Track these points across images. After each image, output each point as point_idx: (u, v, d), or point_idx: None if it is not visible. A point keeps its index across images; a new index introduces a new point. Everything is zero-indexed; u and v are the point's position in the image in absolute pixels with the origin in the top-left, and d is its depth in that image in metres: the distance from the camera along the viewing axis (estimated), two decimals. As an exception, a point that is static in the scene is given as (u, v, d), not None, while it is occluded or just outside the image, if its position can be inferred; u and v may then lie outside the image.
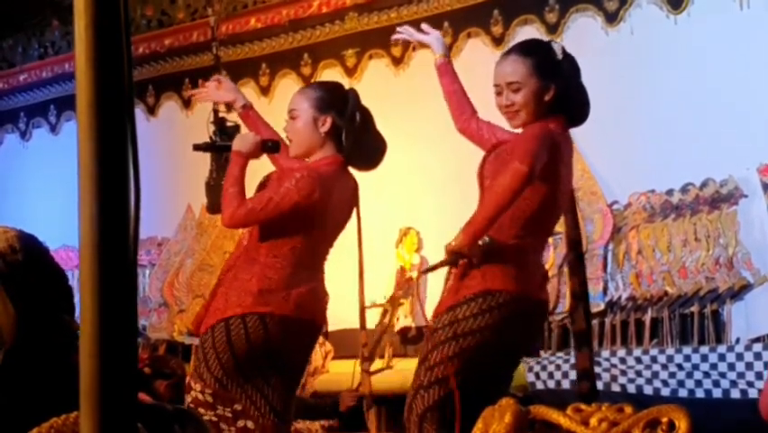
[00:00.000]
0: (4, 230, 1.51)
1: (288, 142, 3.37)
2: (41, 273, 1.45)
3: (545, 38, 5.57)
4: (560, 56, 3.12)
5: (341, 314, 4.41)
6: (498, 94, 3.11)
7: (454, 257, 2.94)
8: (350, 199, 3.35)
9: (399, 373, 5.01)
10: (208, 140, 3.55)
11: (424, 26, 3.53)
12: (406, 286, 5.56)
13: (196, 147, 3.47)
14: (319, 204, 3.23)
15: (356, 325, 3.86)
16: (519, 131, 3.12)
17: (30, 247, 1.48)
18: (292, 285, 3.20)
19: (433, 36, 3.44)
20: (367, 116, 3.36)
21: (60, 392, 1.02)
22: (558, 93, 3.07)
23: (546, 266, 5.23)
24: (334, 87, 3.45)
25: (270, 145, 3.36)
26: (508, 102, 3.08)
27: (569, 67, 3.13)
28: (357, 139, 3.29)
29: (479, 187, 3.11)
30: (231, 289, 3.20)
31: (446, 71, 3.37)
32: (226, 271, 3.33)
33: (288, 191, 3.19)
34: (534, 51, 3.17)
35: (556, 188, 3.06)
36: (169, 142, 6.62)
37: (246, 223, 3.25)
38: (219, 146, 3.46)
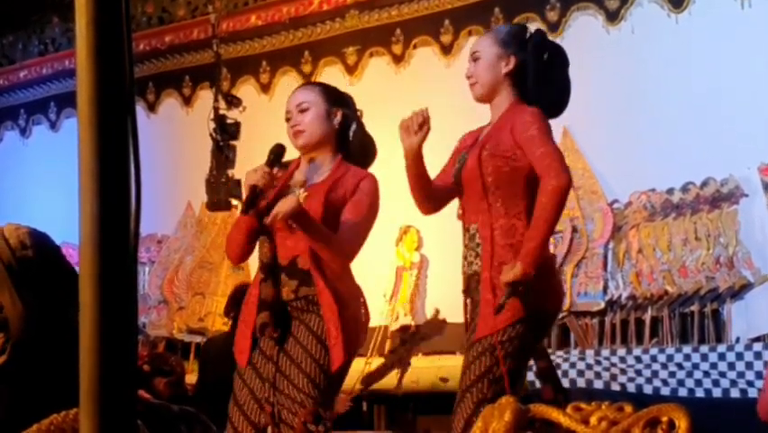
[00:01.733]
0: (16, 227, 1.52)
1: (291, 137, 3.30)
2: (50, 270, 1.46)
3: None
4: (528, 34, 3.06)
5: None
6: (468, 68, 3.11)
7: (515, 288, 2.90)
8: None
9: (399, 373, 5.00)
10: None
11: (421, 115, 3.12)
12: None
13: (244, 210, 3.28)
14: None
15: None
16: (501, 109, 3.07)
17: (41, 244, 1.49)
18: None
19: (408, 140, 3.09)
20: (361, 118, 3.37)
21: (66, 388, 1.02)
22: (519, 67, 2.99)
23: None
24: (334, 87, 3.46)
25: (274, 157, 3.29)
26: (468, 73, 3.06)
27: (538, 46, 3.04)
28: (359, 136, 3.30)
29: (478, 186, 3.01)
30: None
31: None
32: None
33: (374, 193, 3.15)
34: (503, 29, 3.18)
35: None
36: (170, 139, 6.62)
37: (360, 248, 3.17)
38: (253, 198, 3.25)
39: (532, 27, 3.16)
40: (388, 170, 5.62)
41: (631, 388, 4.60)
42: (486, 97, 3.05)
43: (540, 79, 3.01)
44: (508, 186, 2.95)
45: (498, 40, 3.04)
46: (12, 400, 1.39)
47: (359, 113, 3.34)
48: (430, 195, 3.12)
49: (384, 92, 6.03)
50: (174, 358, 5.19)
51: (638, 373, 4.65)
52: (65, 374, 1.02)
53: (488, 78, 3.02)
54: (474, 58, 3.05)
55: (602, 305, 5.06)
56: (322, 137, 3.20)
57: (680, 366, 4.60)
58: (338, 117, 3.21)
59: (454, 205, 3.22)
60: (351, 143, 3.24)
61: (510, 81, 3.01)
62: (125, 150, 0.99)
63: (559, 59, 3.07)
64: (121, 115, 0.98)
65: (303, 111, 3.22)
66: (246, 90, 6.51)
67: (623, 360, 4.74)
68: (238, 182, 5.59)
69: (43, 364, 1.40)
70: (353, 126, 3.25)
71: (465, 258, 3.03)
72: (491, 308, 2.89)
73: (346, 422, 5.16)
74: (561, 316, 5.12)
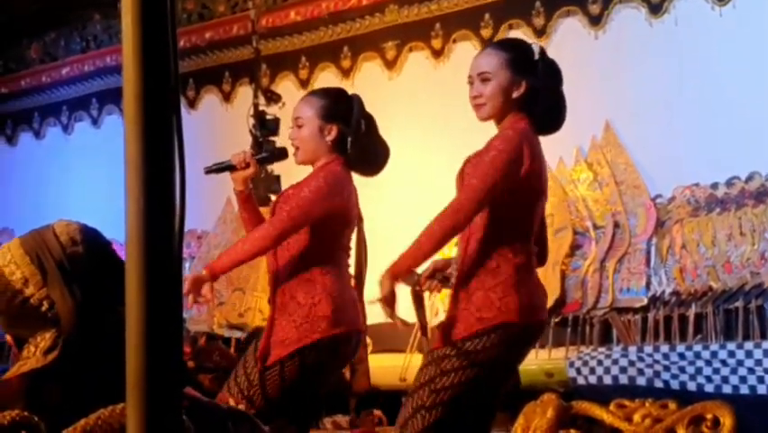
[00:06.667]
0: (67, 223, 1.54)
1: (293, 148, 3.40)
2: (101, 266, 1.48)
3: (588, 30, 5.53)
4: (536, 56, 3.05)
5: (379, 308, 4.40)
6: (470, 84, 3.07)
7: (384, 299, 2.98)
8: (357, 199, 3.38)
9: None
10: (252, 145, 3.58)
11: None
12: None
13: (208, 170, 3.49)
14: (347, 201, 3.27)
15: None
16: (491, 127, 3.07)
17: (91, 240, 1.51)
18: (348, 297, 3.26)
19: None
20: (370, 123, 3.36)
21: (116, 383, 1.03)
22: (529, 91, 3.00)
23: (588, 261, 5.20)
24: (339, 95, 3.44)
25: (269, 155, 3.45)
26: (476, 93, 3.03)
27: (546, 69, 3.05)
28: (362, 146, 3.30)
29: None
30: (297, 316, 3.20)
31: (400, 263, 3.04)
32: (274, 295, 3.30)
33: (319, 188, 3.21)
34: (509, 47, 3.13)
35: (537, 194, 3.01)
36: (209, 135, 6.65)
37: (294, 226, 3.22)
38: (223, 167, 3.47)
39: (535, 46, 3.12)
40: (426, 164, 5.62)
41: (675, 385, 4.55)
42: (493, 118, 3.06)
43: (548, 103, 3.03)
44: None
45: (508, 62, 3.02)
46: (64, 394, 1.41)
47: (364, 119, 3.33)
48: None
49: (423, 87, 6.02)
50: (219, 353, 5.21)
51: (682, 369, 4.60)
52: (115, 369, 1.03)
53: (499, 101, 3.02)
54: (483, 78, 3.02)
55: (645, 301, 5.01)
56: (315, 154, 3.33)
57: (724, 363, 4.55)
58: (332, 134, 3.32)
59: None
60: (348, 155, 3.28)
61: (518, 104, 3.02)
62: (170, 147, 0.99)
63: (559, 78, 3.09)
64: (166, 113, 0.98)
65: (299, 126, 3.40)
66: (285, 86, 6.52)
67: (666, 356, 4.69)
68: (277, 178, 5.61)
69: (94, 359, 1.41)
70: (349, 141, 3.29)
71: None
72: (448, 321, 2.99)
73: (386, 418, 5.16)
74: (603, 312, 5.08)
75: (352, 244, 3.39)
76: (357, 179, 3.42)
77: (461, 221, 2.94)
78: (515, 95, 3.01)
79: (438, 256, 3.19)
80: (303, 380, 3.19)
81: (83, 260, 1.48)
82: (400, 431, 2.97)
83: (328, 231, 3.24)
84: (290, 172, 3.52)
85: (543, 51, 3.10)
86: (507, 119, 3.02)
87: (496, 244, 2.96)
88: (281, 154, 3.52)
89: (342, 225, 3.29)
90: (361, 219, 3.41)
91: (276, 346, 3.20)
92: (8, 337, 1.55)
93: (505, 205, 2.96)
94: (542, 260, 3.13)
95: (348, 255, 3.35)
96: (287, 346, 3.18)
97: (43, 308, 1.48)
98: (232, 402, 3.15)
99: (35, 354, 1.45)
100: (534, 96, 3.01)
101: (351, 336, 3.24)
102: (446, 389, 2.90)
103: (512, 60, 3.03)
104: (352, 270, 3.39)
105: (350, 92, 3.45)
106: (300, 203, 3.21)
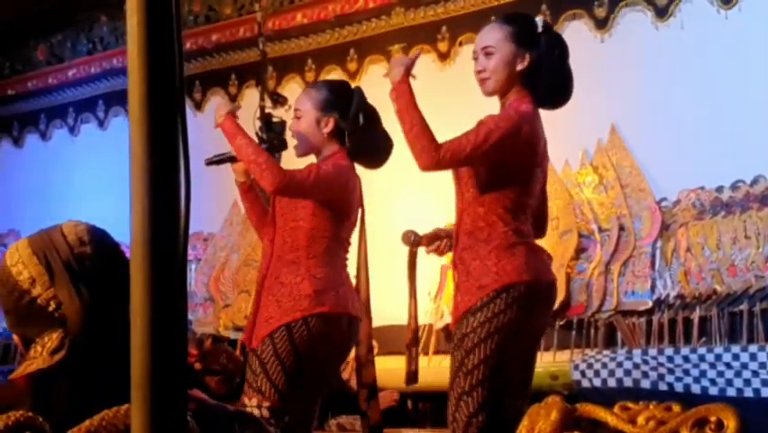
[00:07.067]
0: (75, 223, 1.55)
1: (294, 140, 3.43)
2: (109, 266, 1.49)
3: (594, 33, 5.54)
4: (540, 29, 3.04)
5: (388, 309, 4.42)
6: (475, 60, 3.07)
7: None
8: (360, 193, 3.38)
9: (445, 370, 4.99)
10: (256, 136, 3.62)
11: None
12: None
13: (209, 162, 3.56)
14: (351, 193, 3.28)
15: (402, 321, 3.86)
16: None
17: (99, 240, 1.52)
18: (336, 280, 3.25)
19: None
20: (372, 115, 3.36)
21: (122, 384, 1.04)
22: (533, 65, 2.99)
23: (593, 264, 5.20)
24: (339, 87, 3.45)
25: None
26: (480, 67, 3.04)
27: (550, 42, 3.03)
28: (362, 138, 3.30)
29: (455, 174, 3.10)
30: (280, 295, 3.20)
31: (404, 92, 3.03)
32: (263, 279, 3.32)
33: (328, 172, 3.22)
34: (513, 20, 3.13)
35: (531, 170, 3.02)
36: (216, 137, 6.65)
37: (293, 190, 3.22)
38: (224, 158, 3.55)
39: (538, 20, 3.12)
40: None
41: (679, 387, 4.55)
42: (497, 92, 3.06)
43: (553, 76, 3.01)
44: (478, 176, 3.00)
45: (511, 35, 3.02)
46: (70, 395, 1.41)
47: (365, 112, 3.33)
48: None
49: (429, 90, 6.01)
50: (225, 355, 5.21)
51: (686, 372, 4.60)
52: (123, 370, 1.03)
53: (503, 74, 3.02)
54: (487, 53, 3.03)
55: (650, 304, 5.01)
56: (313, 146, 3.36)
57: (728, 366, 4.55)
58: (329, 126, 3.33)
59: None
60: (347, 147, 3.29)
61: (521, 77, 3.02)
62: (176, 148, 1.00)
63: (565, 52, 3.07)
64: (171, 114, 0.98)
65: (297, 118, 3.40)
66: (292, 88, 6.53)
67: (670, 359, 4.69)
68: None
69: (101, 360, 1.42)
70: (346, 134, 3.29)
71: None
72: (455, 299, 2.98)
73: (392, 420, 5.16)
74: (608, 315, 5.08)
75: (354, 239, 3.39)
76: (365, 181, 3.42)
77: (427, 156, 2.94)
78: (519, 67, 3.00)
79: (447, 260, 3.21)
80: (299, 360, 3.16)
81: (91, 260, 1.49)
82: (451, 425, 2.93)
83: (326, 219, 3.24)
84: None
85: (547, 24, 3.10)
86: (510, 94, 3.02)
87: (487, 217, 2.97)
88: (281, 145, 3.53)
89: (342, 217, 3.29)
90: (363, 213, 3.41)
91: (261, 327, 3.20)
92: (15, 337, 1.56)
93: (495, 182, 2.97)
94: (541, 232, 3.12)
95: (345, 249, 3.34)
96: (270, 324, 3.17)
97: (50, 309, 1.48)
98: (246, 400, 3.16)
99: (42, 354, 1.45)
100: (538, 69, 3.00)
101: (340, 317, 3.20)
102: (477, 366, 2.88)
103: (515, 33, 3.02)
104: (353, 269, 3.39)
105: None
106: (307, 172, 3.21)
